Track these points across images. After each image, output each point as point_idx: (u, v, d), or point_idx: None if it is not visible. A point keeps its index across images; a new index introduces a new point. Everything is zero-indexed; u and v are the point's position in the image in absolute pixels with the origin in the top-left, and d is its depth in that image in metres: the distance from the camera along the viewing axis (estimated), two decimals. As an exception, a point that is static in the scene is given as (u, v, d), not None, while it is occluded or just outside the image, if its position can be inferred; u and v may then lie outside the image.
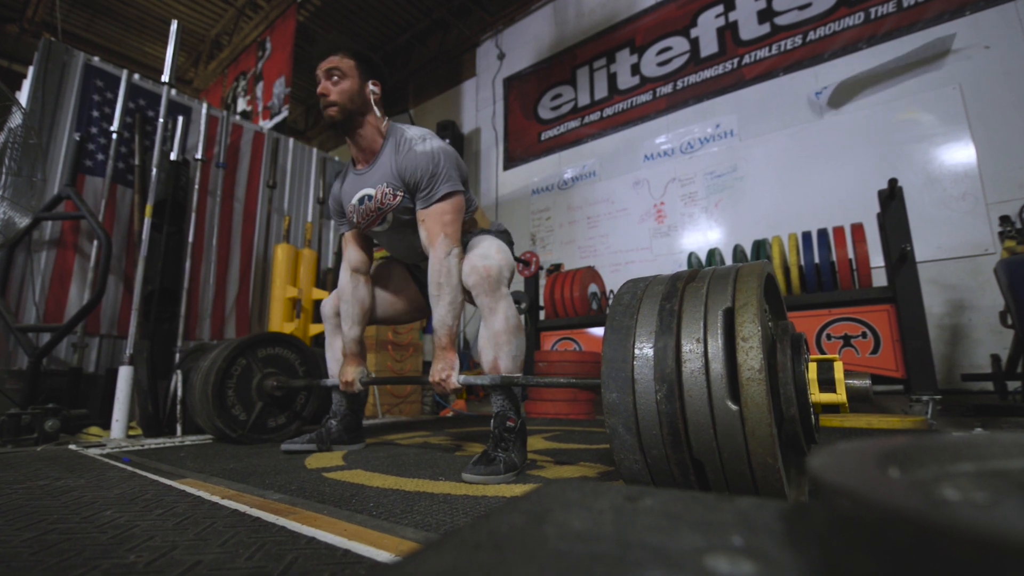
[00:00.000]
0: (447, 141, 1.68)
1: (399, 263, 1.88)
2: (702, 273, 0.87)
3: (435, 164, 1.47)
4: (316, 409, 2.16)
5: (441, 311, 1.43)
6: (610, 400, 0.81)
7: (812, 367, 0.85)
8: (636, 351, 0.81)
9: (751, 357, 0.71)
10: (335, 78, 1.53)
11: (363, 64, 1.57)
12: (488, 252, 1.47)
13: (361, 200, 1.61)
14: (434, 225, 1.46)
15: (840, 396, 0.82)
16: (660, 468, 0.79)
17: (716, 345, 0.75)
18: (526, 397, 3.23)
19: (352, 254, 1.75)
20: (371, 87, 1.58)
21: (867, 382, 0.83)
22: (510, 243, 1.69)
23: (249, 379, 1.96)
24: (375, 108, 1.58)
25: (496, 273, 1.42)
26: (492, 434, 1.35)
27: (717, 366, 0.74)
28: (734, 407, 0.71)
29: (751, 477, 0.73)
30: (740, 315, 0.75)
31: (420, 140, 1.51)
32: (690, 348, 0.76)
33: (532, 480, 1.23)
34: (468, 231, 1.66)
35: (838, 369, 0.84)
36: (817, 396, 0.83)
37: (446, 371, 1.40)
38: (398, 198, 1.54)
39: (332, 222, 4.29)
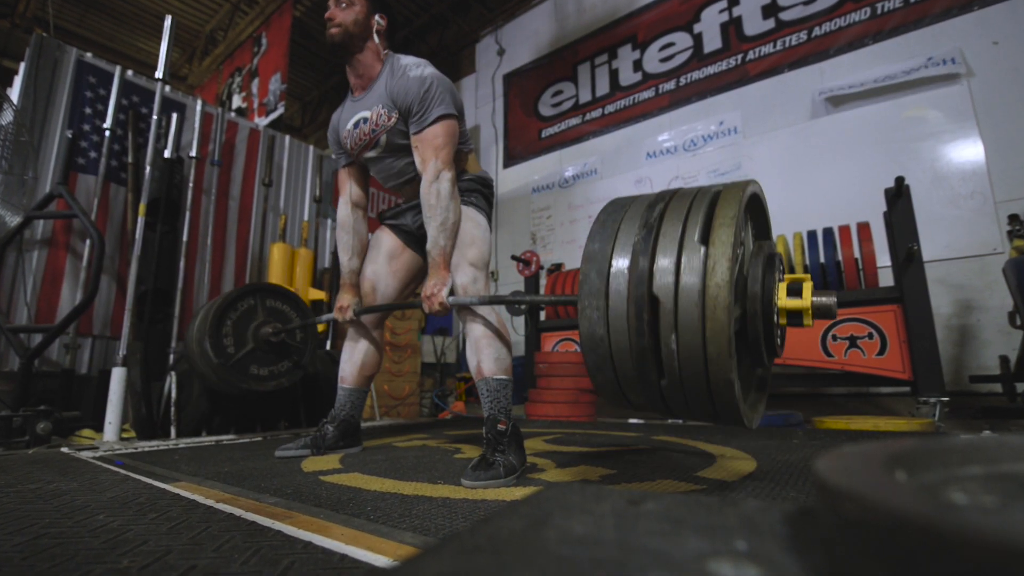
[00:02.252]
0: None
1: (385, 233, 1.81)
2: (691, 188, 0.96)
3: (427, 88, 1.49)
4: (311, 404, 2.13)
5: (432, 232, 1.46)
6: (590, 250, 0.89)
7: (783, 284, 0.92)
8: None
9: (725, 226, 0.80)
10: (343, 5, 1.59)
11: None
12: (460, 262, 1.49)
13: (356, 124, 1.64)
14: (427, 150, 1.48)
15: (804, 302, 0.88)
16: (618, 312, 0.83)
17: (697, 218, 0.83)
18: (525, 399, 3.19)
19: (353, 189, 1.78)
20: (377, 19, 1.63)
21: (832, 299, 0.89)
22: (488, 203, 1.68)
23: (250, 320, 2.03)
24: (376, 37, 1.63)
25: (470, 287, 1.46)
26: (486, 439, 1.35)
27: (697, 220, 0.83)
28: (701, 246, 0.80)
29: (701, 307, 0.77)
30: (724, 197, 0.84)
31: (415, 66, 1.54)
32: (674, 216, 0.86)
33: (532, 483, 1.22)
34: (459, 172, 1.65)
35: (807, 284, 0.91)
36: (783, 301, 0.89)
37: (438, 286, 1.43)
38: (392, 119, 1.57)
39: (329, 220, 4.25)
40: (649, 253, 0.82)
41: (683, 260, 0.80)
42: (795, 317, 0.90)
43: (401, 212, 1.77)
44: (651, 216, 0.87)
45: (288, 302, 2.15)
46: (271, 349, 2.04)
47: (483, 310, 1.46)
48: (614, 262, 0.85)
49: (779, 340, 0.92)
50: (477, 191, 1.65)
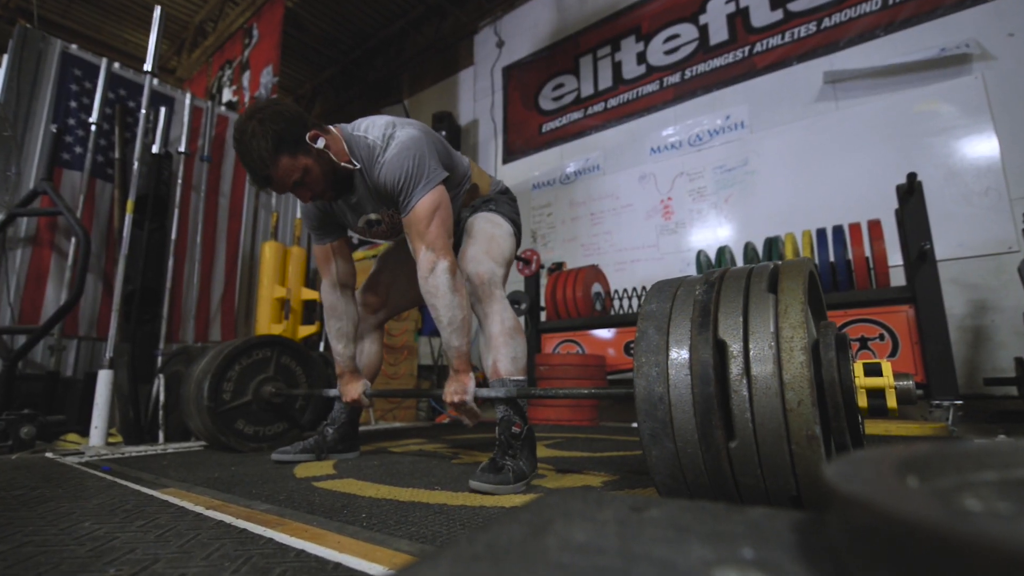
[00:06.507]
0: (443, 134, 1.59)
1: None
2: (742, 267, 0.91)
3: (403, 172, 1.33)
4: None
5: (444, 334, 1.36)
6: (646, 310, 0.83)
7: (859, 364, 0.84)
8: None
9: (792, 278, 0.74)
10: (299, 179, 1.35)
11: (289, 142, 1.31)
12: (477, 254, 1.43)
13: (369, 224, 1.55)
14: (415, 238, 1.35)
15: (887, 379, 0.78)
16: (679, 362, 0.76)
17: (761, 277, 0.77)
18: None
19: (339, 267, 1.62)
20: (317, 144, 1.34)
21: (911, 382, 0.82)
22: (512, 209, 1.62)
23: (258, 372, 1.93)
24: (333, 157, 1.38)
25: (488, 279, 1.40)
26: (498, 440, 1.31)
27: (761, 278, 0.78)
28: (770, 294, 0.73)
29: (775, 348, 0.68)
30: (785, 266, 0.78)
31: (382, 149, 1.37)
32: (735, 276, 0.81)
33: (533, 490, 1.21)
34: (470, 203, 1.61)
35: (885, 364, 0.82)
36: (862, 380, 0.80)
37: (458, 393, 1.35)
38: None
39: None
40: (713, 302, 0.76)
41: (751, 304, 0.73)
42: (876, 397, 0.80)
43: None
44: (711, 277, 0.83)
45: (304, 365, 2.03)
46: (268, 408, 1.93)
47: (497, 307, 1.41)
48: (674, 315, 0.79)
49: (862, 428, 0.84)
50: (493, 199, 1.61)
